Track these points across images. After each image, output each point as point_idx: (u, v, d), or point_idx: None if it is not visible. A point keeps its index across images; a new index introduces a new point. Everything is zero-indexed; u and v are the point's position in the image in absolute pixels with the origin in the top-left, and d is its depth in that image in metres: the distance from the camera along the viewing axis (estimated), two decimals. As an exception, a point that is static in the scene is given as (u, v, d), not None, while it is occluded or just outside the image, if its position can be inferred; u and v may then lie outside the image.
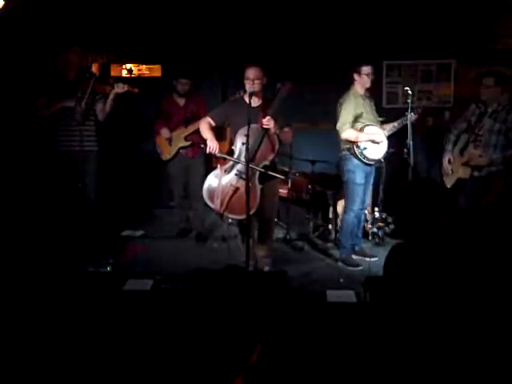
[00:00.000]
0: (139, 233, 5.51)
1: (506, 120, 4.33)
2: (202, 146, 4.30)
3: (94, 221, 4.52)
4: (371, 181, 4.67)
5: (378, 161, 4.53)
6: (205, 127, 4.08)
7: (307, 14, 5.90)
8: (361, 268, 4.48)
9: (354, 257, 4.69)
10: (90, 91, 4.34)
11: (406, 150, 4.26)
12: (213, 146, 3.91)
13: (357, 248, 4.73)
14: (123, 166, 6.28)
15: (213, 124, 4.10)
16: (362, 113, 4.43)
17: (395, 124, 4.45)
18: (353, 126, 4.39)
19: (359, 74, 4.40)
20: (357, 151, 4.40)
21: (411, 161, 4.14)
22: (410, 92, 4.21)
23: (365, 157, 4.41)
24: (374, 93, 4.78)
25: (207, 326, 0.91)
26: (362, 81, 4.42)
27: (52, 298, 3.46)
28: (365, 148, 4.40)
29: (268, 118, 3.79)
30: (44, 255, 4.15)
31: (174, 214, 5.60)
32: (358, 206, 4.53)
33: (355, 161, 4.43)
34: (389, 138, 4.51)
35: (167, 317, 3.20)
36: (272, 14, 5.92)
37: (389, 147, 4.47)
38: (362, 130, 4.40)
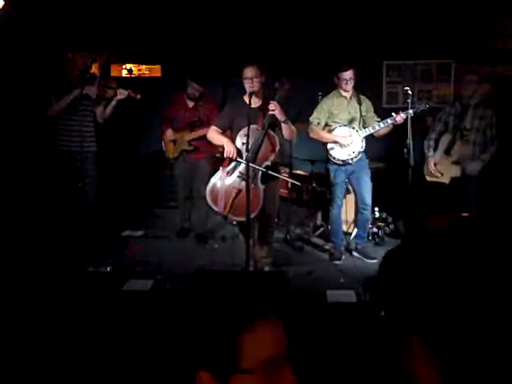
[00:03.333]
0: (139, 233, 5.50)
1: (487, 117, 4.39)
2: (218, 155, 4.27)
3: (94, 221, 4.52)
4: (365, 180, 4.61)
5: (347, 161, 4.50)
6: (216, 134, 4.06)
7: (308, 14, 5.89)
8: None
9: (355, 254, 4.75)
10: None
11: (405, 149, 4.26)
12: (231, 150, 3.87)
13: (359, 246, 4.75)
14: (123, 166, 6.28)
15: (220, 131, 4.10)
16: (337, 113, 4.49)
17: (375, 126, 4.44)
18: (326, 126, 4.51)
19: (337, 77, 4.44)
20: (326, 150, 4.53)
21: (411, 161, 4.14)
22: (409, 92, 4.21)
23: (332, 156, 4.50)
24: (374, 93, 4.79)
25: (206, 326, 0.91)
26: (340, 84, 4.45)
27: (52, 298, 3.45)
28: (332, 148, 4.50)
29: (274, 102, 3.78)
30: (44, 255, 4.15)
31: (174, 214, 5.60)
32: (338, 202, 4.60)
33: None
34: (388, 137, 4.54)
35: (167, 317, 3.20)
36: (273, 14, 5.91)
37: (360, 148, 4.47)
38: (331, 131, 4.50)
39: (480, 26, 5.78)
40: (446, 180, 4.58)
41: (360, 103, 4.52)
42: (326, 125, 4.54)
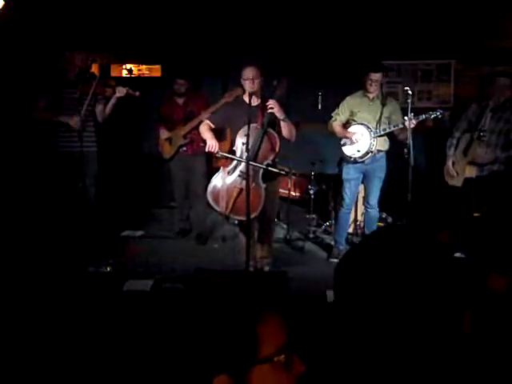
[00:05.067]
0: (139, 233, 5.51)
1: (509, 120, 4.35)
2: (202, 144, 4.31)
3: (94, 221, 4.52)
4: (375, 182, 4.63)
5: (359, 158, 4.53)
6: (204, 128, 4.08)
7: (307, 14, 5.89)
8: None
9: None
10: (92, 93, 4.35)
11: (405, 150, 4.25)
12: (212, 144, 3.90)
13: None
14: (123, 166, 6.28)
15: (213, 127, 4.10)
16: (357, 112, 4.53)
17: (385, 127, 4.45)
18: (347, 123, 4.59)
19: (364, 77, 4.46)
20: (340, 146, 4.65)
21: (411, 161, 4.14)
22: (409, 92, 4.21)
23: (343, 152, 4.60)
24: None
25: (207, 325, 0.91)
26: (364, 84, 4.48)
27: (52, 298, 3.46)
28: (343, 144, 4.60)
29: (273, 101, 3.78)
30: (44, 256, 4.16)
31: (174, 214, 5.60)
32: (346, 201, 4.64)
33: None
34: (388, 137, 4.54)
35: (167, 317, 3.20)
36: (272, 14, 5.91)
37: (368, 148, 4.48)
38: (348, 127, 4.58)
39: (480, 25, 5.78)
40: (459, 181, 4.55)
41: (384, 105, 4.52)
42: (348, 122, 4.61)
